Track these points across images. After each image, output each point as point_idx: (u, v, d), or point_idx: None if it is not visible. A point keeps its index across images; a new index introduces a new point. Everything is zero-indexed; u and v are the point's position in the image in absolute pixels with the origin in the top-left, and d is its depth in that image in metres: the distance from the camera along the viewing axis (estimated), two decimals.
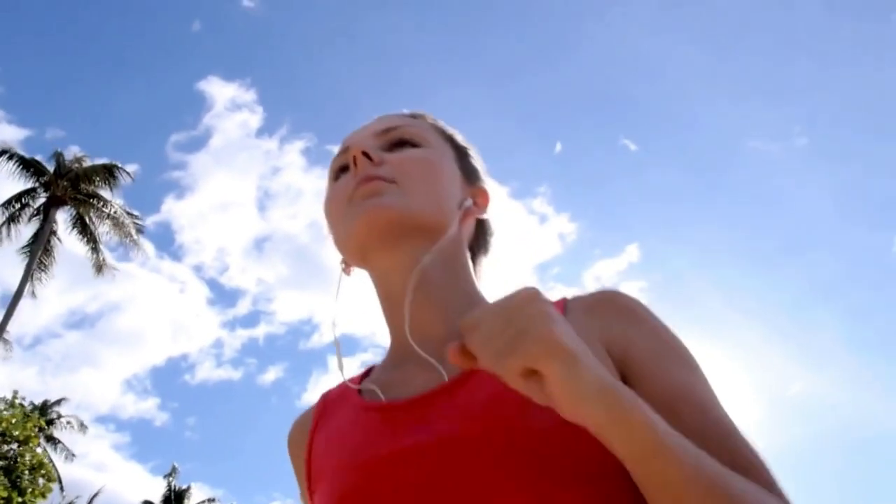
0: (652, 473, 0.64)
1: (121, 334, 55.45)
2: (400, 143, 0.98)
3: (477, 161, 1.07)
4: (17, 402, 14.47)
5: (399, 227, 0.90)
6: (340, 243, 0.98)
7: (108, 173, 23.50)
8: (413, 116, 1.06)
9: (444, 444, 0.76)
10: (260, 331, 63.06)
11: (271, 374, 67.73)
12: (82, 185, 23.09)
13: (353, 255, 0.97)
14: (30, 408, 28.80)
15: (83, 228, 22.95)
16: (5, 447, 12.79)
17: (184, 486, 34.47)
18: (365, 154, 0.94)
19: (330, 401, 0.98)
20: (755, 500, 0.66)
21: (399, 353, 0.95)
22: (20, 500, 12.46)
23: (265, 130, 64.85)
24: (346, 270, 1.03)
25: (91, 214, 23.03)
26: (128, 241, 23.45)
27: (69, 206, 22.94)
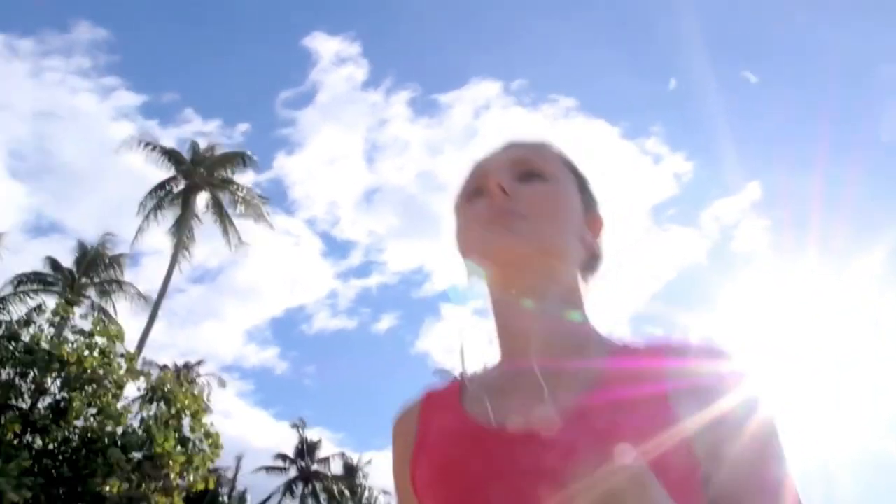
0: None
1: (241, 288, 57.92)
2: (530, 175, 1.05)
3: (594, 188, 1.14)
4: (184, 376, 16.46)
5: (526, 258, 1.00)
6: (472, 260, 1.06)
7: (240, 160, 25.61)
8: (540, 145, 1.13)
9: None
10: (373, 281, 64.96)
11: (385, 323, 69.77)
12: (217, 172, 25.25)
13: (477, 273, 1.06)
14: (173, 368, 31.87)
15: (218, 210, 25.15)
16: (177, 422, 14.86)
17: (315, 439, 37.09)
18: (501, 186, 1.02)
19: (436, 400, 1.07)
20: None
21: (505, 371, 1.02)
22: (194, 465, 14.54)
23: (371, 83, 63.85)
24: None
25: (225, 197, 25.20)
26: (259, 219, 25.50)
27: (206, 191, 25.17)
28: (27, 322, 14.54)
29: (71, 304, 15.83)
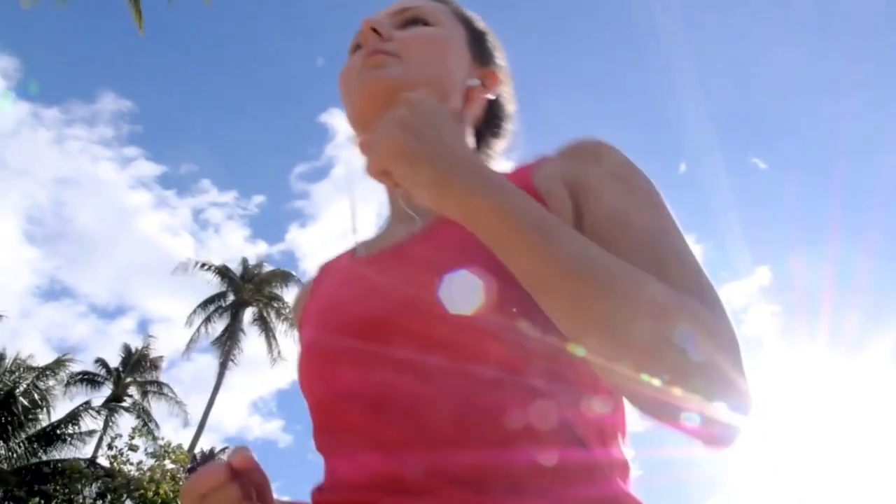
0: (512, 260, 0.65)
1: (248, 358, 57.84)
2: (413, 22, 0.99)
3: (494, 46, 1.07)
4: None
5: (397, 97, 0.87)
6: (348, 114, 1.00)
7: (284, 278, 27.44)
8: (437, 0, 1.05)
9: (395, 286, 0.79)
10: None
11: None
12: (265, 289, 27.02)
13: (357, 124, 0.99)
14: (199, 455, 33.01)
15: (263, 325, 26.79)
16: None
17: None
18: (375, 31, 0.95)
19: (328, 265, 1.05)
20: (656, 294, 0.63)
21: (392, 217, 1.00)
22: None
23: None
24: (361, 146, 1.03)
25: (270, 313, 26.85)
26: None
27: (253, 307, 26.89)
28: (107, 444, 15.91)
29: (118, 399, 16.91)
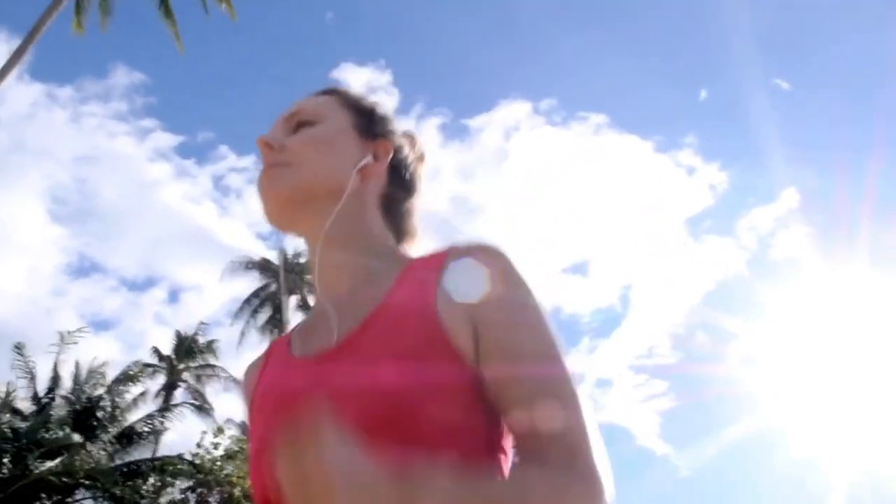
0: None
1: None
2: (300, 125, 1.09)
3: (385, 118, 1.15)
4: None
5: (294, 201, 1.04)
6: (265, 217, 1.08)
7: None
8: (325, 93, 1.15)
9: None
10: None
11: None
12: (307, 277, 28.92)
13: (273, 225, 1.09)
14: None
15: (308, 309, 28.76)
16: None
17: None
18: (267, 144, 1.06)
19: (275, 347, 1.12)
20: None
21: (317, 308, 1.09)
22: None
23: (401, 111, 60.22)
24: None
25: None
26: None
27: (297, 295, 28.90)
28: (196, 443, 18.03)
29: (173, 386, 18.31)
